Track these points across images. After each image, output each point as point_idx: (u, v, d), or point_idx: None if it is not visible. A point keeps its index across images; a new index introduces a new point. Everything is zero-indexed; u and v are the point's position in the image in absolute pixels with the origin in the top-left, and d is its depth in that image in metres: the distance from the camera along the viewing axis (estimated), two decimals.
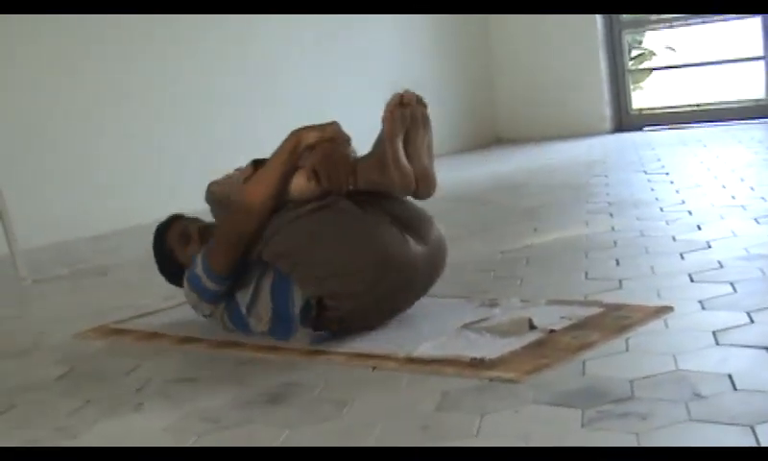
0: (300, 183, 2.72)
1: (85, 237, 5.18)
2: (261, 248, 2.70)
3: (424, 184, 2.72)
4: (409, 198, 2.79)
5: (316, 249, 2.65)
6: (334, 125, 2.76)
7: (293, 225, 2.68)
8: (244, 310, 2.78)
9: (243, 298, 2.77)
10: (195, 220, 3.07)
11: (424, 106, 2.71)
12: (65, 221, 5.26)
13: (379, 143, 2.70)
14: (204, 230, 2.97)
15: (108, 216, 5.40)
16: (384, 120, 2.65)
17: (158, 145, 5.76)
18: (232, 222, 2.73)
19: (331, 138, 2.73)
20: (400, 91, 2.67)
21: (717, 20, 7.48)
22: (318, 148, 2.71)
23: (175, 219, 3.09)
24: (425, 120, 2.71)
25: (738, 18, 7.37)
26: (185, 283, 2.84)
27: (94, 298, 3.83)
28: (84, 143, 5.44)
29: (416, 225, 2.74)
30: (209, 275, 2.74)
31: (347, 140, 2.75)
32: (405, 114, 2.65)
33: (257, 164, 2.81)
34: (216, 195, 2.86)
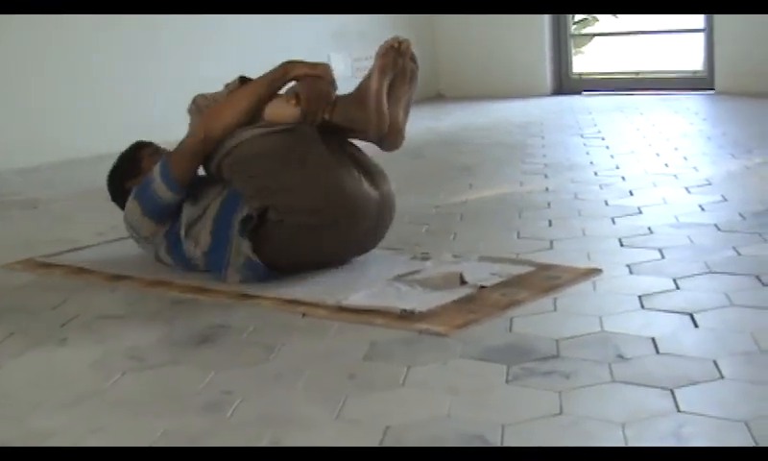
0: (277, 107, 2.77)
1: (15, 168, 5.08)
2: (221, 158, 2.73)
3: (394, 136, 2.79)
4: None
5: (274, 164, 2.69)
6: (325, 65, 2.81)
7: (257, 140, 2.72)
8: (183, 232, 2.77)
9: (189, 214, 2.77)
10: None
11: (416, 63, 2.81)
12: None
13: (364, 82, 2.76)
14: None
15: (39, 148, 5.29)
16: (377, 55, 2.73)
17: (95, 79, 5.64)
18: (203, 127, 2.76)
19: (318, 75, 2.78)
20: (400, 38, 2.75)
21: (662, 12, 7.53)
22: (304, 79, 2.77)
23: (153, 144, 3.10)
24: (413, 76, 2.81)
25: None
26: (131, 199, 2.85)
27: (23, 230, 3.77)
28: (16, 73, 5.31)
29: (372, 173, 2.81)
30: (167, 180, 2.76)
31: (332, 81, 2.80)
32: (398, 60, 2.73)
33: (243, 81, 2.85)
34: (199, 106, 2.87)
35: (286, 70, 2.80)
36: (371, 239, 2.85)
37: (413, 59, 2.80)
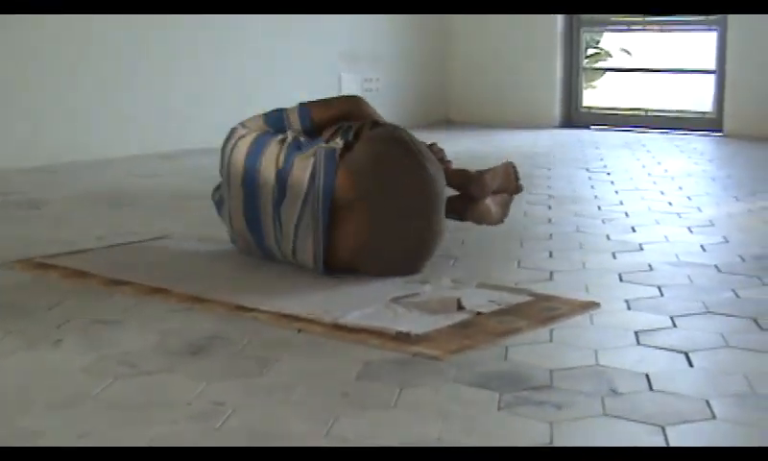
0: None
1: (18, 168, 5.09)
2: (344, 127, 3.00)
3: (481, 209, 3.22)
4: None
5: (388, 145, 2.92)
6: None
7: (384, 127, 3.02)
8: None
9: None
10: None
11: (508, 206, 3.32)
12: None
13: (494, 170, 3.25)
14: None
15: (42, 149, 5.30)
16: (507, 165, 3.29)
17: (100, 81, 5.65)
18: (352, 100, 3.21)
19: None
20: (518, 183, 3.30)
21: (674, 29, 7.56)
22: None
23: None
24: (507, 206, 3.30)
25: (695, 29, 7.46)
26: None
27: (24, 230, 3.77)
28: (20, 74, 5.32)
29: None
30: (303, 112, 3.10)
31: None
32: (513, 183, 3.27)
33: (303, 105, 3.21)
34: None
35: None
36: (410, 255, 2.89)
37: (512, 194, 3.31)
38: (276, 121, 3.11)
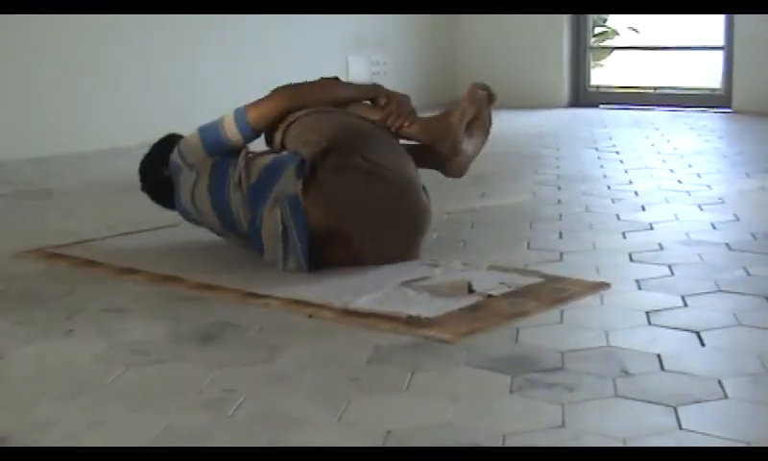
0: (361, 109, 3.01)
1: (28, 158, 5.10)
2: (292, 120, 2.90)
3: (461, 160, 3.03)
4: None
5: (344, 124, 2.89)
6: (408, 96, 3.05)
7: (332, 114, 2.93)
8: (238, 163, 2.84)
9: (246, 152, 2.88)
10: None
11: (491, 123, 3.11)
12: (9, 140, 5.16)
13: (446, 109, 3.04)
14: None
15: (52, 139, 5.30)
16: (470, 89, 3.04)
17: (109, 72, 5.65)
18: (288, 91, 2.98)
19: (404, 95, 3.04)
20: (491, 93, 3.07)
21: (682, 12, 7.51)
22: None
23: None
24: (487, 129, 3.09)
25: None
26: (194, 133, 2.96)
27: (35, 220, 3.78)
28: (31, 65, 5.32)
29: (423, 186, 2.96)
30: (241, 122, 2.92)
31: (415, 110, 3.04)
32: (484, 100, 3.03)
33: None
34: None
35: (376, 88, 3.05)
36: (406, 241, 2.86)
37: (489, 116, 3.08)
38: (214, 141, 2.92)
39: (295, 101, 2.94)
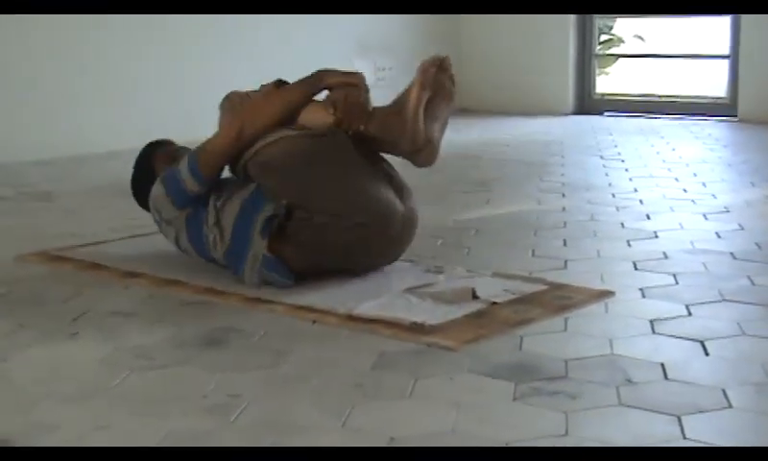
0: (312, 113, 2.80)
1: (31, 161, 5.10)
2: (249, 157, 2.75)
3: (428, 151, 2.79)
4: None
5: (305, 163, 2.71)
6: (359, 74, 2.85)
7: (288, 140, 2.74)
8: (209, 221, 2.76)
9: (214, 202, 2.78)
10: (185, 148, 3.05)
11: (454, 84, 2.82)
12: (11, 143, 5.16)
13: (402, 95, 2.77)
14: None
15: (55, 141, 5.30)
16: (419, 70, 2.75)
17: (111, 75, 5.65)
18: (236, 127, 2.77)
19: (354, 84, 2.81)
20: (441, 55, 2.78)
21: (687, 14, 7.52)
22: (339, 87, 2.81)
23: (167, 142, 3.12)
24: (451, 96, 2.83)
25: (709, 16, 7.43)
26: (158, 182, 2.86)
27: (38, 222, 3.78)
28: (34, 67, 5.32)
29: (399, 188, 2.80)
30: (195, 174, 2.77)
31: (367, 90, 2.82)
32: (439, 78, 2.76)
33: (279, 85, 2.88)
34: (233, 103, 2.90)
35: (321, 77, 2.83)
36: (392, 251, 2.84)
37: (451, 79, 2.83)
38: (178, 193, 2.81)
39: (244, 131, 2.75)
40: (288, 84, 2.87)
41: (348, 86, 2.80)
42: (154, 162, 3.03)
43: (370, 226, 2.70)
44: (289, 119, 2.80)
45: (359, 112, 2.78)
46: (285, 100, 2.81)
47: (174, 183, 2.82)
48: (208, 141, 2.83)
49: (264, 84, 2.92)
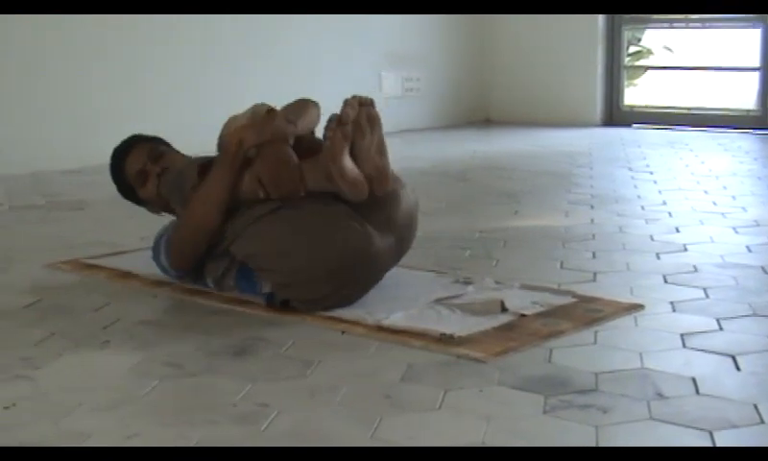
0: (250, 186, 2.67)
1: (62, 170, 5.14)
2: (227, 245, 2.67)
3: (378, 183, 2.63)
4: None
5: (277, 256, 2.59)
6: (270, 120, 2.69)
7: (253, 227, 2.62)
8: (211, 284, 2.77)
9: (211, 274, 2.75)
10: (153, 145, 3.03)
11: (370, 104, 2.62)
12: (42, 151, 5.21)
13: (323, 152, 2.60)
14: (162, 175, 2.95)
15: (85, 150, 5.34)
16: (324, 147, 2.59)
17: (141, 84, 5.69)
18: (188, 232, 2.70)
19: (270, 141, 2.68)
20: (341, 110, 2.57)
21: (717, 25, 7.49)
22: (260, 155, 2.67)
23: (132, 145, 3.06)
24: (372, 120, 2.62)
25: (739, 26, 7.38)
26: (152, 253, 2.88)
27: (69, 230, 3.81)
28: (66, 77, 5.37)
29: (378, 210, 2.66)
30: (169, 272, 2.82)
31: (284, 137, 2.69)
32: (346, 131, 2.56)
33: (270, 111, 2.75)
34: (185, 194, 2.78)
35: (238, 144, 2.66)
36: (397, 260, 2.78)
37: (363, 102, 2.60)
38: (168, 272, 2.85)
39: (193, 238, 2.67)
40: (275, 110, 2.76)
41: (271, 151, 2.66)
42: (129, 181, 3.03)
43: (356, 279, 2.62)
44: (231, 201, 2.66)
45: (288, 181, 2.64)
46: (218, 187, 2.65)
47: (162, 268, 2.85)
48: (172, 244, 2.74)
49: (257, 104, 2.82)
